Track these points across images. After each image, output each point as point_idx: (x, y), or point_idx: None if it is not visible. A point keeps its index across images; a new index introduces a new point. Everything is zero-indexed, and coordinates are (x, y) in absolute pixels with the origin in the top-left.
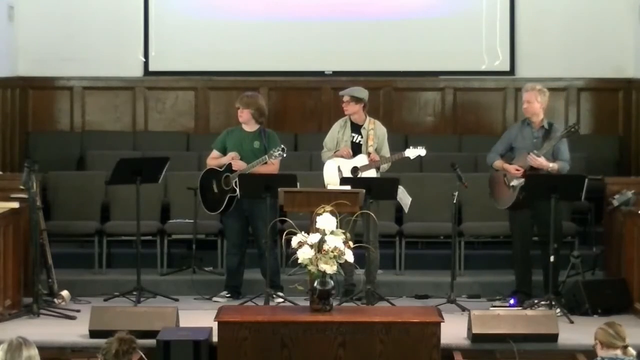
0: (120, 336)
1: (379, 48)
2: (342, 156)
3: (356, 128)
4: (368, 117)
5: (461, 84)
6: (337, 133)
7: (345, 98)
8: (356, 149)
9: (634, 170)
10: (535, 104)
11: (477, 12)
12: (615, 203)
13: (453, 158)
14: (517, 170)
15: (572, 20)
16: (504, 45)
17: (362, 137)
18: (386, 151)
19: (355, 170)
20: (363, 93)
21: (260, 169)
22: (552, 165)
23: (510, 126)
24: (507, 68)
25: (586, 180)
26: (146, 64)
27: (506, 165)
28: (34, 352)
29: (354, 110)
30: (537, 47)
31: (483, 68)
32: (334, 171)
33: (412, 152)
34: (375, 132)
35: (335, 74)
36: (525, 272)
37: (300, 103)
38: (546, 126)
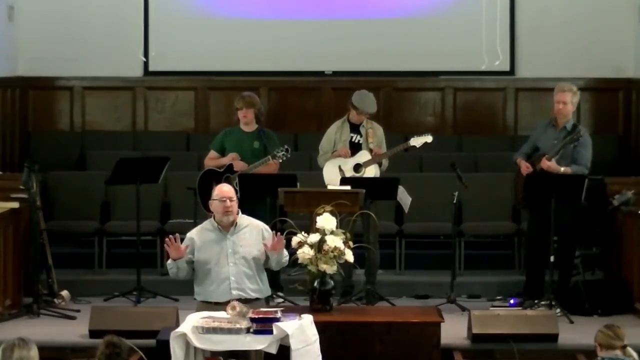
0: (107, 339)
1: (379, 48)
2: (340, 156)
3: (355, 128)
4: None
5: (461, 84)
6: (335, 134)
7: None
8: (355, 148)
9: (634, 170)
10: (569, 106)
11: (477, 12)
12: (615, 203)
13: (453, 158)
14: (527, 167)
15: (572, 20)
16: (504, 45)
17: (361, 136)
18: (384, 149)
19: (358, 166)
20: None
21: (259, 169)
22: (564, 169)
23: (537, 125)
24: (507, 68)
25: (586, 180)
26: (146, 64)
27: (519, 161)
28: (26, 353)
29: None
30: (537, 47)
31: (483, 68)
32: (335, 172)
33: (417, 141)
34: (374, 130)
35: (335, 74)
36: (535, 274)
37: (300, 103)
38: (568, 127)
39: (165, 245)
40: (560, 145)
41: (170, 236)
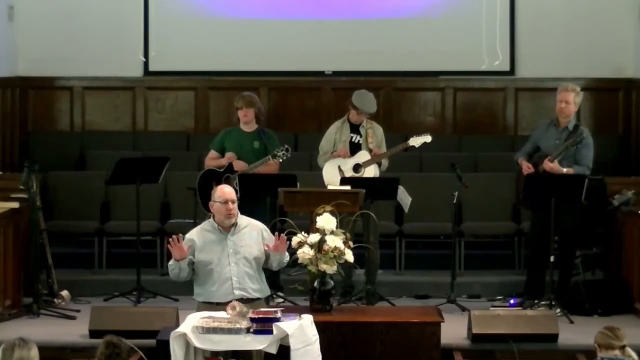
0: (107, 339)
1: (379, 48)
2: (339, 156)
3: (354, 128)
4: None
5: (461, 84)
6: (335, 134)
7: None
8: (355, 148)
9: (634, 170)
10: (572, 106)
11: (477, 12)
12: (615, 203)
13: (453, 158)
14: (529, 167)
15: (572, 20)
16: (504, 45)
17: (361, 137)
18: (384, 149)
19: (357, 167)
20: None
21: (259, 169)
22: (567, 170)
23: (539, 124)
24: (507, 68)
25: (586, 180)
26: (146, 64)
27: (520, 160)
28: (26, 353)
29: None
30: (537, 47)
31: (483, 68)
32: (335, 172)
33: (416, 140)
34: (374, 130)
35: (335, 74)
36: (536, 274)
37: (300, 103)
38: (570, 128)
39: (168, 245)
40: (562, 147)
41: (174, 236)
